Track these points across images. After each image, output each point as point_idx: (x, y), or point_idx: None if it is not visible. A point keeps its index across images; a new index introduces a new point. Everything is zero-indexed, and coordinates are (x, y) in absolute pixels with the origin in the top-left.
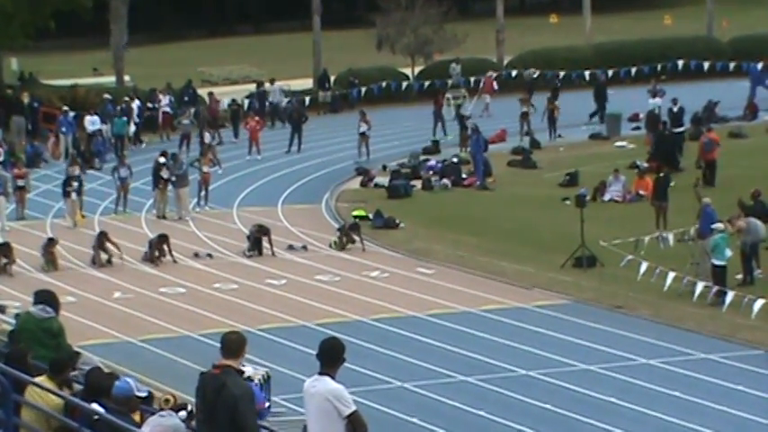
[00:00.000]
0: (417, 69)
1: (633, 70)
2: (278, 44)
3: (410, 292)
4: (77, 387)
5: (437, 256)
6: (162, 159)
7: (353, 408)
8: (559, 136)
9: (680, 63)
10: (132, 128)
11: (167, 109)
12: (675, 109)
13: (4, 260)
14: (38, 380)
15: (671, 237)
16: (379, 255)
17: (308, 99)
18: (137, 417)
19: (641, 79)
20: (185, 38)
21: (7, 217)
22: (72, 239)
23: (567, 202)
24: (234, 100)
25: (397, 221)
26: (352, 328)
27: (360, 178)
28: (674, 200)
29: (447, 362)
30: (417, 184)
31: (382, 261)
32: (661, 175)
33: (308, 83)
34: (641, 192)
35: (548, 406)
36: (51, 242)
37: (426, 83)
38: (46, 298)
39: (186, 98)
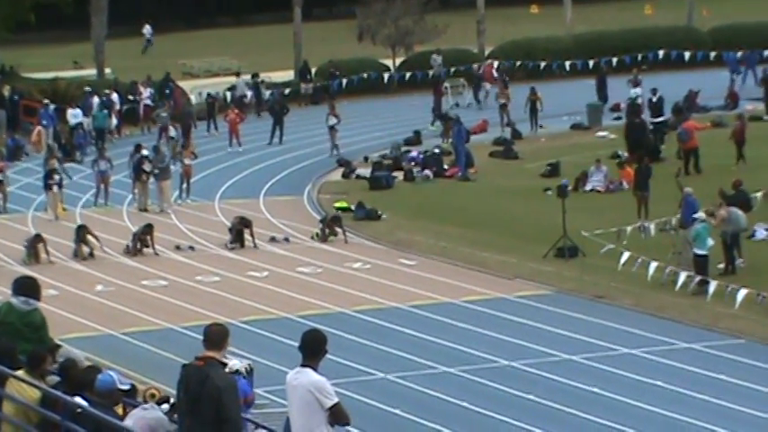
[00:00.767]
0: (398, 60)
1: (614, 60)
2: (259, 36)
3: (392, 284)
4: (54, 379)
5: (419, 248)
6: (144, 152)
7: (336, 399)
8: (541, 126)
9: (661, 53)
10: (114, 121)
11: (148, 102)
12: (655, 99)
13: None
14: (18, 373)
15: (652, 226)
16: (361, 246)
17: (288, 91)
18: (119, 410)
19: (622, 69)
20: (166, 30)
21: None
22: (53, 232)
23: (549, 193)
24: (209, 93)
25: (379, 213)
26: (335, 319)
27: (342, 170)
28: (655, 189)
29: (429, 353)
30: (399, 175)
31: (364, 252)
32: (642, 164)
33: (289, 74)
34: (624, 182)
35: (530, 396)
36: (38, 238)
37: (407, 74)
38: (27, 288)
39: (167, 91)
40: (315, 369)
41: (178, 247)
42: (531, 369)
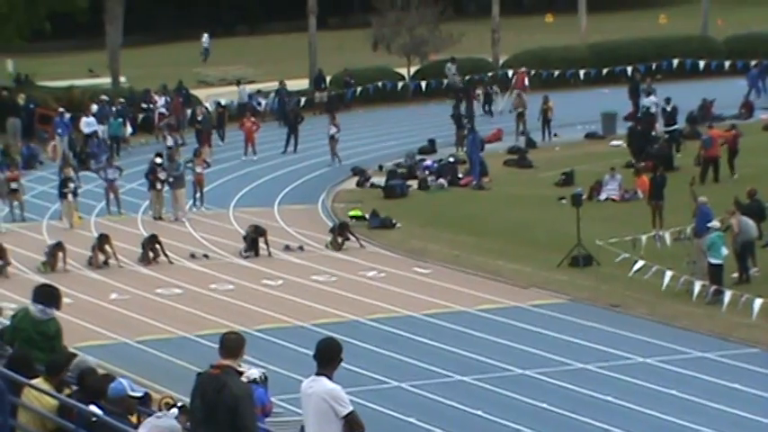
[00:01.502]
0: (413, 69)
1: (629, 69)
2: (274, 45)
3: (407, 292)
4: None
5: (433, 256)
6: (158, 160)
7: (350, 408)
8: (555, 135)
9: (675, 62)
10: (129, 129)
11: (163, 110)
12: (669, 108)
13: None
14: (34, 382)
15: (667, 235)
16: (376, 255)
17: (303, 99)
18: (134, 419)
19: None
20: (181, 39)
21: (3, 219)
22: (68, 241)
23: (563, 202)
24: (218, 103)
25: (394, 221)
26: (349, 328)
27: (356, 178)
28: (670, 198)
29: (444, 361)
30: (413, 183)
31: (379, 261)
32: (657, 174)
33: (303, 83)
34: (638, 190)
35: (544, 405)
36: (58, 246)
37: (422, 83)
38: (46, 296)
39: (181, 99)
40: (330, 377)
41: (193, 256)
42: (546, 378)
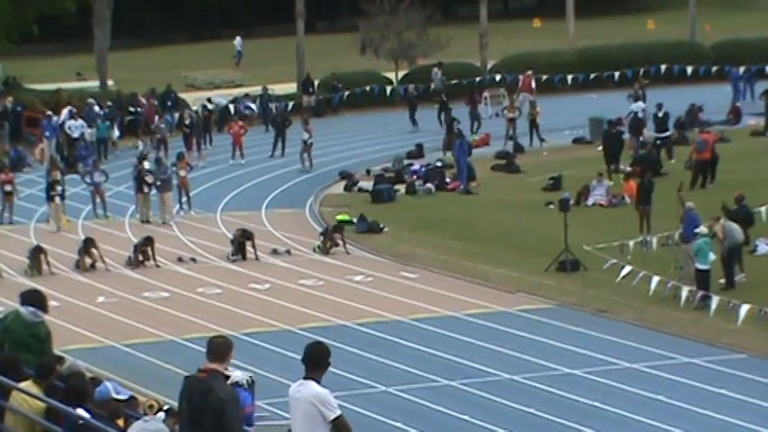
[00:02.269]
0: (401, 74)
1: (616, 74)
2: (262, 48)
3: (394, 297)
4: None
5: (421, 261)
6: (146, 164)
7: (338, 412)
8: (542, 140)
9: (663, 67)
10: (116, 132)
11: None
12: (660, 114)
13: None
14: (23, 385)
15: (655, 241)
16: (363, 259)
17: (291, 103)
18: (121, 422)
19: (625, 83)
20: (169, 42)
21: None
22: (55, 244)
23: (551, 207)
24: (205, 106)
25: (381, 226)
26: (336, 332)
27: (343, 183)
28: (657, 204)
29: (430, 366)
30: (401, 188)
31: (366, 265)
32: (645, 179)
33: (291, 87)
34: (626, 196)
35: (531, 410)
36: (39, 249)
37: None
38: (36, 300)
39: (169, 103)
40: (318, 381)
41: (180, 259)
42: (533, 382)
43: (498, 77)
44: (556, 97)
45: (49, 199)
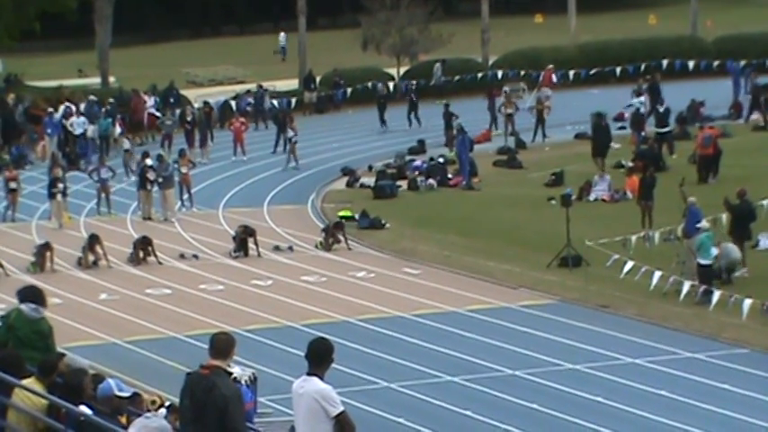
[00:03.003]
0: (403, 70)
1: (618, 70)
2: (263, 45)
3: (396, 293)
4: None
5: (423, 257)
6: (148, 161)
7: (341, 408)
8: (545, 135)
9: (664, 62)
10: (118, 129)
11: (152, 110)
12: (662, 109)
13: None
14: (25, 382)
15: (657, 235)
16: (365, 255)
17: (293, 100)
18: (123, 419)
19: (626, 79)
20: (170, 39)
21: None
22: (57, 241)
23: (553, 202)
24: (206, 102)
25: (383, 222)
26: (339, 328)
27: (345, 179)
28: (659, 199)
29: (433, 362)
30: (403, 184)
31: (368, 261)
32: (647, 174)
33: (293, 83)
34: (628, 191)
35: (534, 405)
36: (46, 246)
37: (413, 83)
38: (36, 296)
39: (171, 99)
40: (321, 378)
41: (182, 256)
42: (535, 378)
43: (500, 73)
44: (557, 93)
45: (51, 196)
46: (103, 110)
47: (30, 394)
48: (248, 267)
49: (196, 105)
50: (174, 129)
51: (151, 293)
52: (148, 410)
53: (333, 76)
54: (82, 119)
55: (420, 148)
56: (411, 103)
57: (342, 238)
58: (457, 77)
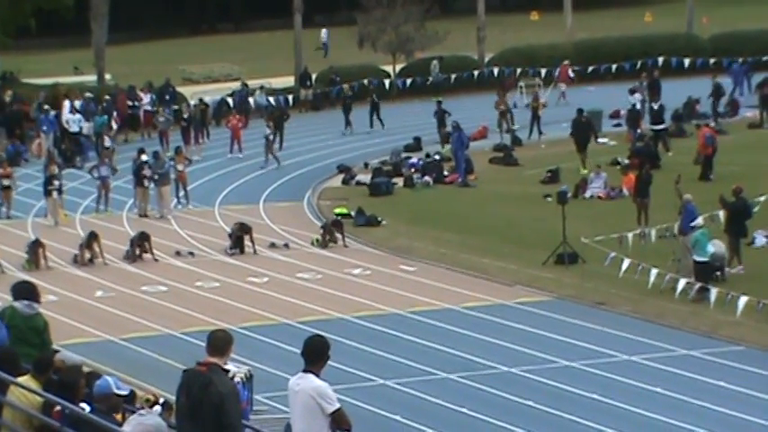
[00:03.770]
0: (399, 67)
1: (614, 67)
2: (259, 42)
3: (392, 290)
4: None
5: (419, 254)
6: (144, 158)
7: (337, 405)
8: (541, 132)
9: (660, 60)
10: (114, 126)
11: (149, 107)
12: (656, 106)
13: None
14: (21, 379)
15: (654, 232)
16: (361, 252)
17: (290, 97)
18: (119, 416)
19: (622, 76)
20: (166, 36)
21: None
22: (53, 238)
23: (549, 199)
24: (201, 99)
25: (379, 219)
26: (334, 325)
27: (341, 176)
28: (655, 196)
29: (429, 359)
30: (399, 181)
31: (364, 258)
32: (643, 171)
33: (289, 81)
34: (624, 188)
35: (530, 402)
36: (38, 243)
37: (408, 80)
38: (29, 292)
39: (167, 97)
40: (317, 375)
41: (178, 253)
42: (531, 375)
43: (496, 70)
44: (554, 90)
45: (47, 194)
46: (99, 107)
47: (25, 392)
48: (244, 264)
49: (192, 102)
50: (169, 126)
51: (147, 290)
52: (143, 408)
53: (329, 73)
54: (78, 116)
55: (416, 145)
56: (373, 104)
57: (339, 236)
58: (453, 75)
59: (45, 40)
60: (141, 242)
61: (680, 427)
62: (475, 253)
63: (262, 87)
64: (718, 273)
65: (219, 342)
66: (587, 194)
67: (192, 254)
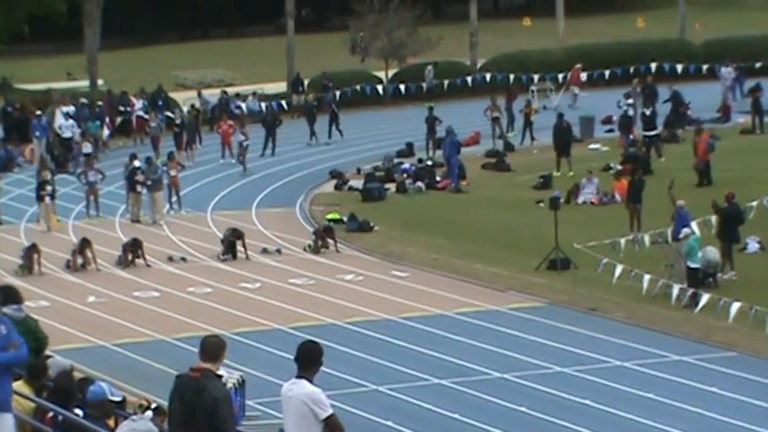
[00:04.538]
0: (391, 73)
1: (607, 73)
2: (251, 48)
3: (384, 295)
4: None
5: (411, 259)
6: (137, 163)
7: (330, 411)
8: (533, 138)
9: (653, 66)
10: (106, 131)
11: (141, 113)
12: (648, 112)
13: None
14: (14, 385)
15: (647, 238)
16: (354, 258)
17: (282, 103)
18: (111, 422)
19: (615, 82)
20: (159, 42)
21: None
22: (46, 244)
23: (541, 205)
24: (193, 105)
25: (372, 224)
26: (327, 331)
27: (334, 182)
28: (647, 202)
29: (421, 365)
30: (391, 187)
31: (356, 264)
32: (635, 177)
33: (281, 86)
34: (616, 194)
35: (522, 408)
36: (33, 248)
37: (401, 86)
38: (14, 295)
39: (160, 102)
40: (310, 381)
41: (170, 259)
42: (524, 381)
43: (488, 76)
44: (544, 98)
45: (39, 199)
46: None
47: (18, 397)
48: (236, 270)
49: (185, 109)
50: (161, 131)
51: (139, 296)
52: (135, 413)
53: (321, 79)
54: (70, 122)
55: (408, 150)
56: (332, 114)
57: (331, 242)
58: (446, 81)
59: (38, 45)
60: (134, 248)
61: None
62: (467, 259)
63: (254, 93)
64: (711, 279)
65: (213, 348)
66: (580, 200)
67: (184, 259)
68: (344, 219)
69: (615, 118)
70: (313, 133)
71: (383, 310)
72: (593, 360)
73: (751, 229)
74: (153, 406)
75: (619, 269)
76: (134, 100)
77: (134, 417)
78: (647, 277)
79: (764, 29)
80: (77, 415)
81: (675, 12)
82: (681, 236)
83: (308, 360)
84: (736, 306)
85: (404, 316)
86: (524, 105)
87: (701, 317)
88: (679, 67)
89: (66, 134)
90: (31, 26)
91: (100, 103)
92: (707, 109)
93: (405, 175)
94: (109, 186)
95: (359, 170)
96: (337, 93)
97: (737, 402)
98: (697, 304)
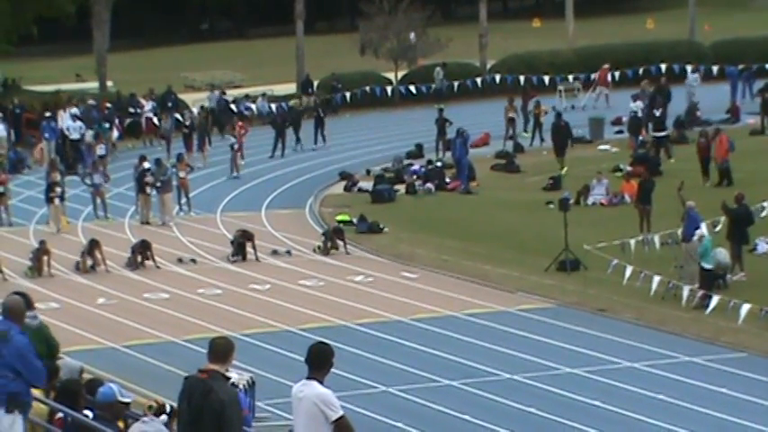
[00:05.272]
0: (401, 74)
1: (616, 74)
2: (261, 49)
3: (394, 297)
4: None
5: (421, 261)
6: (146, 165)
7: (341, 412)
8: (543, 140)
9: (663, 67)
10: (115, 133)
11: (151, 115)
12: (658, 113)
13: None
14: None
15: (657, 239)
16: (364, 259)
17: (292, 103)
18: (121, 424)
19: (624, 83)
20: (168, 43)
21: None
22: (56, 245)
23: (551, 206)
24: (202, 106)
25: (381, 226)
26: (337, 332)
27: (343, 183)
28: (657, 203)
29: (431, 366)
30: (401, 188)
31: (366, 265)
32: (645, 178)
33: (291, 88)
34: (626, 195)
35: (532, 409)
36: (43, 249)
37: (411, 87)
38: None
39: (169, 104)
40: (321, 382)
41: (180, 260)
42: (533, 382)
43: (498, 77)
44: (555, 97)
45: (49, 200)
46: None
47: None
48: (246, 271)
49: (195, 110)
50: (171, 133)
51: (149, 298)
52: (145, 415)
53: (331, 80)
54: (78, 123)
55: (418, 152)
56: (317, 119)
57: (341, 243)
58: (456, 82)
59: (47, 47)
60: (143, 250)
61: None
62: (477, 260)
63: (264, 94)
64: (721, 280)
65: (221, 349)
66: (589, 201)
67: (193, 261)
68: (354, 220)
69: (625, 119)
70: (299, 139)
71: (393, 312)
72: (603, 361)
73: (761, 230)
74: (168, 409)
75: (629, 270)
76: (143, 101)
77: (145, 419)
78: (656, 278)
79: None
80: (86, 416)
81: (685, 13)
82: (695, 237)
83: (319, 361)
84: (746, 307)
85: (413, 317)
86: (533, 106)
87: (710, 318)
88: (689, 68)
89: (74, 135)
90: (39, 28)
91: (109, 105)
92: (716, 110)
93: (414, 177)
94: (118, 188)
95: (368, 171)
96: (347, 94)
97: (747, 403)
98: (708, 305)
